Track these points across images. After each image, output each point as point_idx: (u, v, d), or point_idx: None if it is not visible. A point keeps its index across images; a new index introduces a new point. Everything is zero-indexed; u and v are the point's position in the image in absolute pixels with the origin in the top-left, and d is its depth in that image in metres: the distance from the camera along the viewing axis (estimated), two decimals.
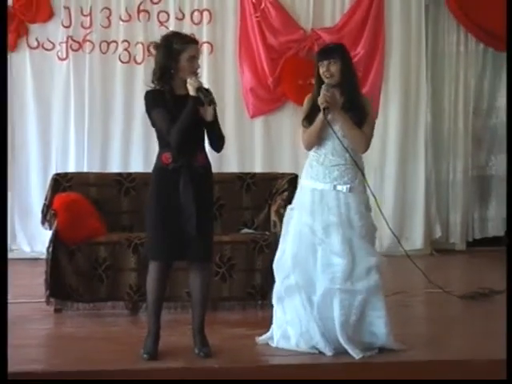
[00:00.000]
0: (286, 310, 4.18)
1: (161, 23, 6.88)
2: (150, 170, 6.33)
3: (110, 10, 6.88)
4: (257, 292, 5.09)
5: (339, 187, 4.08)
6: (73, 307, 4.99)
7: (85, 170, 6.65)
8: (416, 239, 7.19)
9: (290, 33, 7.00)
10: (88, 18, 6.86)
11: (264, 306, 5.01)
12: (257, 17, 6.93)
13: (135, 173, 5.74)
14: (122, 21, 6.89)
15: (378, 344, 4.09)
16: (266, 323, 4.39)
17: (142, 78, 6.77)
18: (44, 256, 5.04)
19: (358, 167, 4.10)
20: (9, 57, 6.70)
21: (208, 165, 4.05)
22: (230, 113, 6.95)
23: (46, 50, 6.84)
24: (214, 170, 6.47)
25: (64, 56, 6.85)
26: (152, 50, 4.09)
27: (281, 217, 5.10)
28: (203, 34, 6.92)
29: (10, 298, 4.83)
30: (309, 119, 4.15)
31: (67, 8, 6.83)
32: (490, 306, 5.23)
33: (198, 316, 4.07)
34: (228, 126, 6.94)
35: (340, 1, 7.12)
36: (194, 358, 3.96)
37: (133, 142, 6.91)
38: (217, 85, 6.84)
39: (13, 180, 6.80)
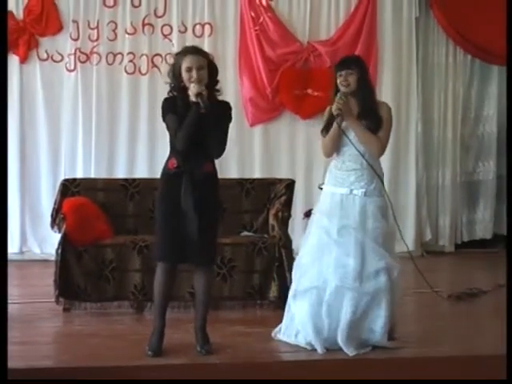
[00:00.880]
0: (296, 309, 4.28)
1: (164, 36, 6.91)
2: (154, 176, 6.54)
3: (116, 23, 6.89)
4: (256, 292, 5.16)
5: (355, 191, 4.18)
6: (81, 306, 5.06)
7: (92, 175, 6.69)
8: (407, 241, 6.78)
9: (288, 45, 7.04)
10: (95, 31, 6.87)
11: (263, 305, 5.13)
12: (256, 30, 6.97)
13: (140, 178, 5.81)
14: (128, 34, 6.91)
15: (374, 341, 4.17)
16: (265, 321, 4.54)
17: (147, 89, 6.91)
18: (53, 258, 5.09)
19: (374, 172, 4.18)
20: (19, 68, 6.79)
21: (213, 172, 4.08)
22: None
23: (55, 61, 6.87)
24: None
25: (72, 67, 6.87)
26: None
27: (279, 220, 5.31)
28: (205, 47, 6.59)
29: (22, 298, 5.03)
30: (327, 129, 4.22)
31: (75, 22, 6.85)
32: (478, 306, 5.33)
33: (201, 315, 4.14)
34: (229, 134, 7.19)
35: (335, 15, 7.15)
36: (196, 355, 4.04)
37: (138, 149, 6.95)
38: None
39: (24, 185, 6.86)
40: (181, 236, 4.00)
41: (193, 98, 3.89)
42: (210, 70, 4.03)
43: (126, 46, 6.97)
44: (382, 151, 4.24)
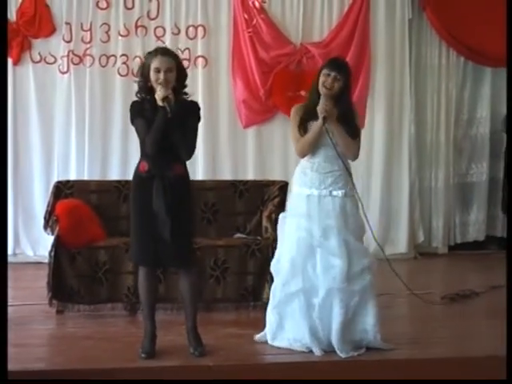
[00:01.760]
0: (283, 313, 4.29)
1: (157, 38, 6.89)
2: None
3: (109, 25, 6.87)
4: (249, 293, 5.20)
5: (335, 192, 4.21)
6: (74, 309, 5.07)
7: (85, 177, 6.69)
8: (400, 243, 7.24)
9: (281, 47, 7.03)
10: (88, 33, 6.85)
11: (256, 307, 5.14)
12: (249, 32, 6.96)
13: None
14: (121, 36, 6.89)
15: (367, 342, 4.21)
16: (258, 323, 4.51)
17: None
18: (46, 260, 5.11)
19: (349, 173, 4.24)
20: (13, 70, 6.77)
21: (184, 174, 4.08)
22: (224, 123, 7.03)
23: (48, 63, 6.85)
24: (209, 177, 6.78)
25: (65, 69, 6.84)
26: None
27: (272, 222, 5.30)
28: (198, 49, 6.95)
29: (15, 300, 5.00)
30: (304, 128, 4.23)
31: (68, 24, 6.82)
32: (471, 307, 5.36)
33: (190, 316, 4.16)
34: (222, 136, 7.08)
35: (328, 17, 7.15)
36: (189, 357, 4.05)
37: (131, 151, 6.81)
38: (211, 97, 6.95)
39: (17, 187, 6.85)
40: (155, 239, 4.01)
41: (159, 103, 3.89)
42: (178, 73, 4.02)
43: (119, 47, 6.96)
44: (357, 155, 4.29)
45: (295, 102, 6.93)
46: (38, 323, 4.86)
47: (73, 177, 6.72)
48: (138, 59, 6.84)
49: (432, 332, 4.75)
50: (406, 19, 7.26)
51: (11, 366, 3.63)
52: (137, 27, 6.96)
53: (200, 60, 7.01)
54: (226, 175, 6.87)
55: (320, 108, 4.15)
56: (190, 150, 4.04)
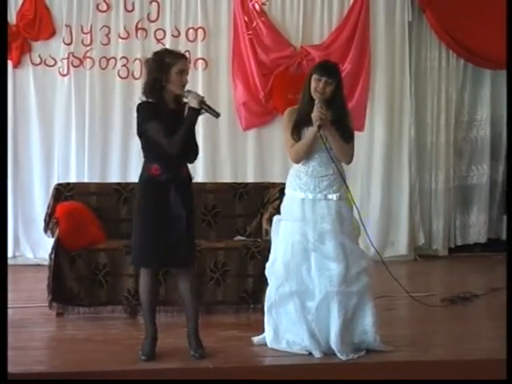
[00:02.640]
0: (279, 316, 4.29)
1: (158, 40, 6.90)
2: None
3: (109, 28, 6.88)
4: (249, 296, 5.20)
5: (330, 196, 4.22)
6: (74, 311, 5.09)
7: (85, 180, 6.70)
8: (401, 246, 7.24)
9: (281, 50, 7.04)
10: (88, 35, 6.87)
11: (256, 310, 5.12)
12: (249, 34, 6.97)
13: (133, 183, 5.55)
14: (121, 38, 6.90)
15: (366, 344, 4.22)
16: (258, 325, 4.51)
17: (140, 93, 7.04)
18: (46, 262, 5.14)
19: (343, 178, 4.24)
20: (13, 73, 6.78)
21: (190, 176, 4.18)
22: (224, 126, 7.02)
23: (48, 66, 6.86)
24: (209, 179, 6.80)
25: (65, 72, 6.86)
26: (143, 65, 4.20)
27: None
28: (198, 51, 6.96)
29: (15, 303, 5.00)
30: (297, 133, 4.24)
31: (68, 26, 6.84)
32: (471, 309, 5.37)
33: (192, 318, 4.18)
34: (222, 138, 7.09)
35: (328, 19, 7.16)
36: (190, 359, 4.07)
37: (131, 153, 6.92)
38: (211, 99, 6.68)
39: (17, 190, 6.86)
40: (164, 241, 4.03)
41: (196, 105, 3.97)
42: None
43: (119, 50, 6.97)
44: (352, 159, 4.30)
45: (295, 105, 7.04)
46: (38, 326, 4.87)
47: (73, 179, 6.73)
48: (138, 61, 6.93)
49: (432, 334, 4.76)
50: (405, 21, 7.28)
51: (11, 368, 3.63)
52: (137, 30, 6.98)
53: (200, 62, 7.02)
54: (226, 177, 6.87)
55: (315, 115, 4.15)
56: (197, 153, 4.14)
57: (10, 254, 6.76)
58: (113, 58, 6.96)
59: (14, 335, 4.29)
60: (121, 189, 5.57)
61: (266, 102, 7.09)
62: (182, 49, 6.71)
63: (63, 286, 5.05)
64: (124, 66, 6.95)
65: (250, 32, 7.01)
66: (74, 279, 5.07)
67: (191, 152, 4.11)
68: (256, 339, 4.43)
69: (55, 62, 6.91)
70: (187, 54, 5.28)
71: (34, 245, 6.89)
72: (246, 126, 7.15)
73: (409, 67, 7.31)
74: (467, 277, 6.71)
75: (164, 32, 7.00)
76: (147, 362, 4.04)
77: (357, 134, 4.50)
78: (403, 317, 5.33)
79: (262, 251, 5.17)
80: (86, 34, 6.92)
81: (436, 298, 5.50)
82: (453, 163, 7.53)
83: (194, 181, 4.32)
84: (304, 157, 4.24)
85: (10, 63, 6.77)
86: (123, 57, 6.96)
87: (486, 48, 7.15)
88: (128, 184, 5.68)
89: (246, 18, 7.00)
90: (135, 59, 6.94)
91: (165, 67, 4.01)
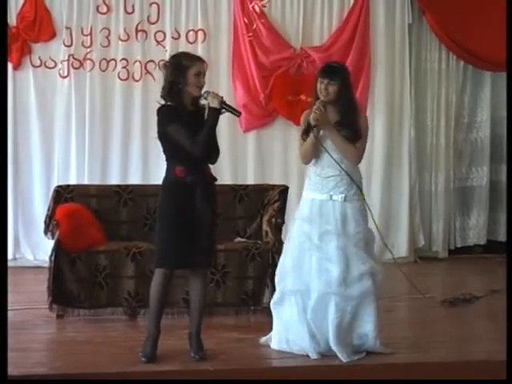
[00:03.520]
0: (282, 314, 4.32)
1: (158, 42, 6.91)
2: (147, 182, 6.55)
3: (109, 29, 6.88)
4: (249, 298, 5.20)
5: (335, 197, 4.23)
6: (74, 313, 5.08)
7: (85, 182, 6.68)
8: (401, 247, 7.23)
9: (281, 51, 7.04)
10: (88, 37, 6.86)
11: (256, 311, 5.15)
12: (249, 36, 6.97)
13: (133, 185, 5.85)
14: (121, 40, 6.90)
15: (366, 346, 4.22)
16: (259, 327, 4.57)
17: (140, 95, 6.91)
18: (47, 264, 5.14)
19: (351, 178, 4.24)
20: (13, 75, 6.77)
21: (213, 177, 4.21)
22: (224, 127, 6.81)
23: (49, 68, 6.85)
24: None
25: (65, 74, 6.85)
26: (162, 68, 4.22)
27: (272, 226, 5.34)
28: (198, 53, 6.59)
29: (15, 305, 4.99)
30: (307, 134, 4.28)
31: (69, 28, 6.83)
32: (471, 311, 5.37)
33: (197, 320, 4.19)
34: (222, 140, 6.95)
35: (328, 21, 7.16)
36: (190, 361, 4.08)
37: (131, 156, 6.95)
38: None
39: (17, 192, 6.85)
40: (188, 242, 4.06)
41: (216, 105, 4.03)
42: None
43: (120, 52, 6.97)
44: (358, 160, 4.30)
45: (295, 107, 7.09)
46: (38, 328, 4.87)
47: (73, 181, 6.71)
48: (138, 63, 6.96)
49: (432, 336, 4.77)
50: (405, 23, 7.29)
51: (11, 370, 3.64)
52: (137, 32, 6.98)
53: None
54: (226, 179, 6.79)
55: (311, 116, 4.20)
56: (218, 153, 4.19)
57: (10, 255, 6.75)
58: (113, 59, 6.96)
59: (14, 337, 4.29)
60: (121, 191, 5.57)
61: (266, 104, 7.11)
62: (182, 51, 6.80)
63: (63, 288, 5.05)
64: (124, 67, 6.95)
65: (250, 34, 7.01)
66: (74, 281, 5.07)
67: (213, 153, 4.14)
68: (263, 339, 4.44)
69: (55, 64, 6.91)
70: None
71: (34, 247, 6.89)
72: (246, 128, 7.15)
73: (409, 69, 7.32)
74: (467, 278, 6.71)
75: (164, 34, 7.00)
76: (147, 364, 4.04)
77: None
78: (403, 318, 5.34)
79: (262, 253, 5.20)
80: (86, 35, 6.91)
81: (436, 299, 5.50)
82: (453, 165, 7.53)
83: None
84: (309, 157, 4.29)
85: (10, 65, 6.77)
86: (123, 59, 6.96)
87: (485, 50, 7.15)
88: (128, 186, 5.69)
89: (245, 20, 7.01)
90: (135, 61, 6.95)
91: (182, 70, 4.05)
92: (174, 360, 4.12)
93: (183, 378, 3.90)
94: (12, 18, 6.82)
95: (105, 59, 6.95)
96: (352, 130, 4.24)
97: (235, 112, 4.20)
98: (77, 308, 5.10)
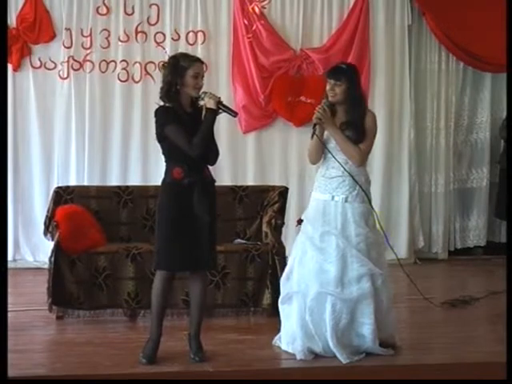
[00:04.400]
0: (285, 315, 4.35)
1: (157, 44, 6.91)
2: (147, 183, 6.55)
3: (109, 31, 6.88)
4: (249, 299, 5.21)
5: (336, 197, 4.25)
6: (74, 314, 5.10)
7: (85, 183, 6.68)
8: (400, 249, 7.17)
9: (280, 53, 7.04)
10: (88, 38, 6.85)
11: (256, 313, 5.16)
12: (249, 38, 6.97)
13: (133, 186, 5.86)
14: (121, 41, 6.90)
15: (365, 348, 4.22)
16: (258, 329, 4.59)
17: (140, 96, 6.92)
18: (46, 266, 5.14)
19: (354, 179, 4.24)
20: (12, 76, 6.77)
21: (213, 178, 4.22)
22: (224, 128, 6.90)
23: (48, 69, 6.85)
24: None
25: (65, 75, 6.84)
26: (161, 69, 4.31)
27: (272, 228, 5.35)
28: (198, 54, 6.54)
29: (15, 306, 5.01)
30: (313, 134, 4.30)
31: (68, 29, 6.83)
32: (470, 313, 5.37)
33: (196, 321, 4.20)
34: (222, 141, 7.01)
35: (327, 22, 7.16)
36: (190, 363, 4.10)
37: (131, 157, 6.95)
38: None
39: (17, 193, 6.85)
40: (188, 244, 4.05)
41: (213, 106, 4.02)
42: None
43: (119, 53, 6.97)
44: (361, 161, 4.29)
45: (295, 108, 7.10)
46: (38, 329, 4.88)
47: (73, 182, 6.72)
48: (137, 64, 6.95)
49: (431, 337, 4.77)
50: (405, 25, 7.28)
51: (11, 371, 3.64)
52: (137, 33, 6.97)
53: None
54: (226, 181, 6.84)
55: (314, 116, 4.24)
56: (217, 154, 4.17)
57: (10, 257, 6.75)
58: (113, 61, 6.96)
59: (14, 338, 4.29)
60: (121, 192, 5.58)
61: (266, 105, 7.11)
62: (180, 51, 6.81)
63: (63, 290, 5.06)
64: (124, 69, 6.95)
65: (250, 35, 7.01)
66: (73, 282, 5.08)
67: (212, 153, 4.13)
68: (275, 340, 4.45)
69: (55, 66, 6.91)
70: None
71: (33, 248, 6.88)
72: (245, 129, 7.15)
73: (408, 70, 7.32)
74: (467, 280, 6.71)
75: (164, 35, 7.01)
76: (147, 366, 4.05)
77: None
78: (403, 320, 5.27)
79: (262, 254, 5.21)
80: (86, 37, 6.92)
81: (436, 301, 5.49)
82: (452, 166, 7.53)
83: None
84: (313, 157, 4.34)
85: (9, 66, 6.77)
86: (123, 60, 6.96)
87: (485, 51, 7.15)
88: (128, 187, 5.70)
89: (245, 21, 7.01)
90: (135, 62, 6.95)
91: (180, 71, 4.04)
92: (174, 361, 4.13)
93: (183, 379, 3.91)
94: (12, 20, 6.83)
95: (105, 60, 6.95)
96: (357, 130, 4.24)
97: (232, 113, 4.19)
98: (77, 309, 5.10)
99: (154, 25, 7.00)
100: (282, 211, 5.59)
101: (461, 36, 7.20)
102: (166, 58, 4.67)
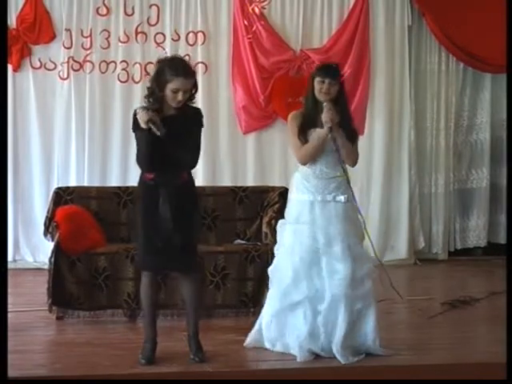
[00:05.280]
0: (284, 322, 4.29)
1: (157, 44, 6.92)
2: None
3: (109, 31, 6.89)
4: (249, 299, 5.20)
5: (338, 198, 4.23)
6: (74, 315, 5.09)
7: (85, 183, 6.69)
8: (400, 249, 7.25)
9: (280, 53, 7.05)
10: (88, 39, 6.87)
11: (256, 313, 5.00)
12: (249, 38, 6.97)
13: (133, 186, 5.57)
14: (121, 42, 6.91)
15: (366, 348, 4.23)
16: None
17: (140, 97, 6.75)
18: (46, 266, 5.15)
19: (348, 179, 4.25)
20: (12, 77, 6.78)
21: (189, 181, 4.12)
22: (224, 129, 7.05)
23: (48, 70, 6.86)
24: (209, 183, 6.80)
25: (65, 76, 6.86)
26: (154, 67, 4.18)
27: (272, 228, 5.30)
28: (198, 55, 6.96)
29: (15, 307, 5.00)
30: (304, 136, 4.24)
31: (68, 30, 6.85)
32: (470, 313, 5.37)
33: (193, 321, 4.18)
34: (222, 142, 7.11)
35: (327, 23, 7.17)
36: (189, 363, 4.09)
37: (131, 157, 6.82)
38: (211, 103, 6.96)
39: (17, 194, 6.87)
40: (160, 245, 4.03)
41: (143, 125, 3.90)
42: (192, 89, 4.04)
43: (119, 54, 6.98)
44: (357, 161, 4.31)
45: (295, 108, 7.03)
46: (38, 329, 4.87)
47: (73, 183, 6.72)
48: (138, 65, 6.96)
49: (431, 338, 4.77)
50: (405, 25, 7.29)
51: (11, 372, 3.63)
52: (137, 33, 6.98)
53: (200, 66, 6.99)
54: (226, 181, 6.88)
55: (325, 117, 4.16)
56: (195, 159, 4.08)
57: (10, 257, 6.76)
58: (113, 61, 6.97)
59: (14, 339, 4.28)
60: (121, 192, 5.59)
61: (266, 106, 7.11)
62: (181, 53, 6.85)
63: (63, 290, 5.05)
64: (124, 69, 6.96)
65: (250, 36, 7.02)
66: (73, 283, 5.07)
67: (186, 158, 4.04)
68: (247, 342, 4.41)
69: (55, 66, 6.92)
70: (187, 58, 5.32)
71: (33, 249, 6.90)
72: (245, 130, 7.16)
73: (408, 71, 7.33)
74: (467, 280, 6.72)
75: (164, 36, 7.02)
76: (147, 366, 4.04)
77: None
78: (403, 320, 5.32)
79: (262, 255, 5.20)
80: (86, 37, 6.93)
81: (436, 301, 5.50)
82: (452, 167, 7.53)
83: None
84: (312, 158, 4.25)
85: (9, 67, 6.78)
86: (123, 61, 6.97)
87: (485, 52, 7.16)
88: (128, 188, 5.69)
89: (245, 22, 7.01)
90: (135, 63, 6.96)
91: (161, 82, 3.96)
92: (173, 362, 4.12)
93: (182, 380, 3.91)
94: (12, 20, 6.83)
95: (105, 61, 6.96)
96: (350, 130, 4.25)
97: (158, 131, 3.89)
98: (76, 310, 5.09)
99: (154, 25, 7.01)
100: (282, 212, 5.52)
101: (461, 37, 7.21)
102: None
